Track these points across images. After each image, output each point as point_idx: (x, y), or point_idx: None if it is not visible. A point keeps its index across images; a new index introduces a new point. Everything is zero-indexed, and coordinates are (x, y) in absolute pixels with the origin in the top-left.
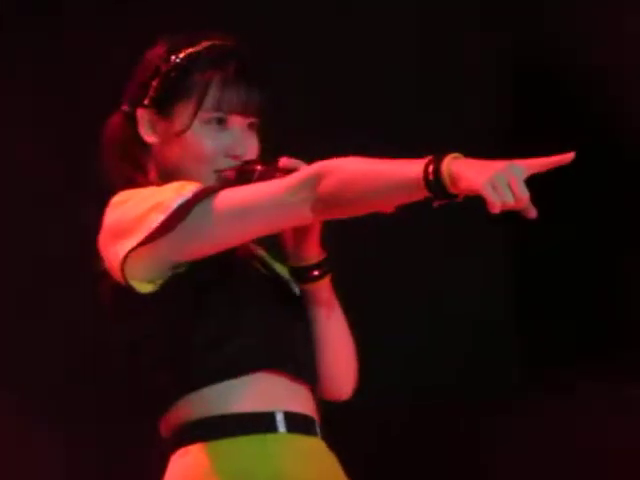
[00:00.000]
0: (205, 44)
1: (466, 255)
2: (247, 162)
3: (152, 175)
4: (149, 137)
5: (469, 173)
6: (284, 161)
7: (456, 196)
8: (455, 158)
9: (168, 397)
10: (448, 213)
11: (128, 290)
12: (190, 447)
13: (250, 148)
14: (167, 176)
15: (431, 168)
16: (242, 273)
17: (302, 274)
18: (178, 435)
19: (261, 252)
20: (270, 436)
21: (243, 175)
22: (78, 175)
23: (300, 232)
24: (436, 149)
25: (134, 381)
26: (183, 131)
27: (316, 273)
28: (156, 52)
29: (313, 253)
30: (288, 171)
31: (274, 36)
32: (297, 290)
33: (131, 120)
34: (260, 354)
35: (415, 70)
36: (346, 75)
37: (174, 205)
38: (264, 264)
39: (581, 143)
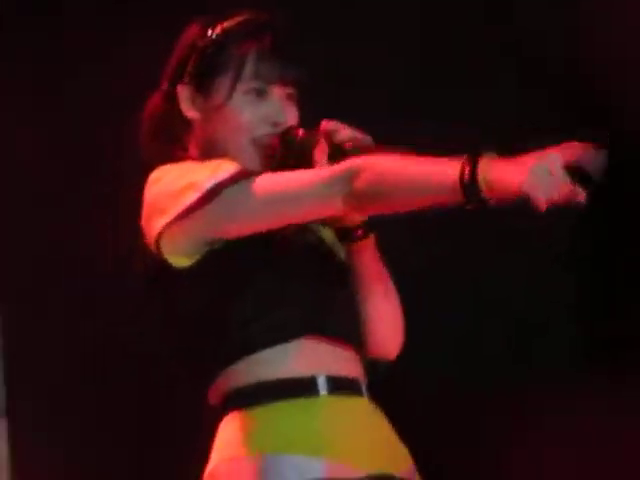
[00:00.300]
0: (239, 18)
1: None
2: (289, 128)
3: (193, 151)
4: (190, 112)
5: (506, 177)
6: (325, 124)
7: (490, 199)
8: (490, 160)
9: (214, 367)
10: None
11: (168, 264)
12: (237, 413)
13: (290, 117)
14: (207, 151)
15: (467, 171)
16: (286, 244)
17: (347, 234)
18: (226, 402)
19: None
20: (312, 399)
21: (285, 141)
22: (78, 174)
23: None
24: (441, 143)
25: (174, 355)
26: (223, 103)
27: (360, 233)
28: (192, 31)
29: (355, 214)
30: (329, 135)
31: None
32: (342, 255)
33: (171, 98)
34: (301, 322)
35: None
36: (347, 71)
37: (208, 185)
38: (310, 230)
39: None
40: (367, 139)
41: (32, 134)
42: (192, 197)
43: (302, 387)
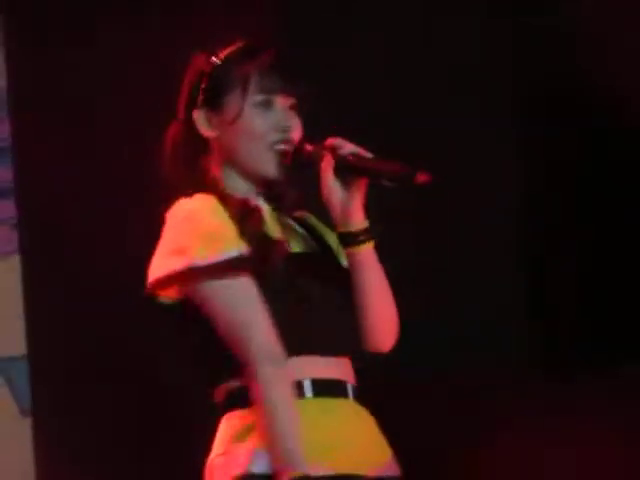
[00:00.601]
0: (238, 45)
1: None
2: (298, 144)
3: (215, 170)
4: (208, 132)
5: None
6: (330, 140)
7: None
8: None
9: (220, 374)
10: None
11: None
12: (234, 412)
13: (295, 125)
14: (229, 163)
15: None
16: (275, 261)
17: (349, 239)
18: (226, 402)
19: (312, 221)
20: (298, 401)
21: (295, 155)
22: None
23: (345, 201)
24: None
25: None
26: (237, 116)
27: (361, 238)
28: (197, 63)
29: (357, 220)
30: (333, 149)
31: (276, 33)
32: (343, 260)
33: (188, 124)
34: (291, 345)
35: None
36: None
37: (190, 263)
38: (309, 237)
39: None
40: (369, 155)
41: None
42: (175, 265)
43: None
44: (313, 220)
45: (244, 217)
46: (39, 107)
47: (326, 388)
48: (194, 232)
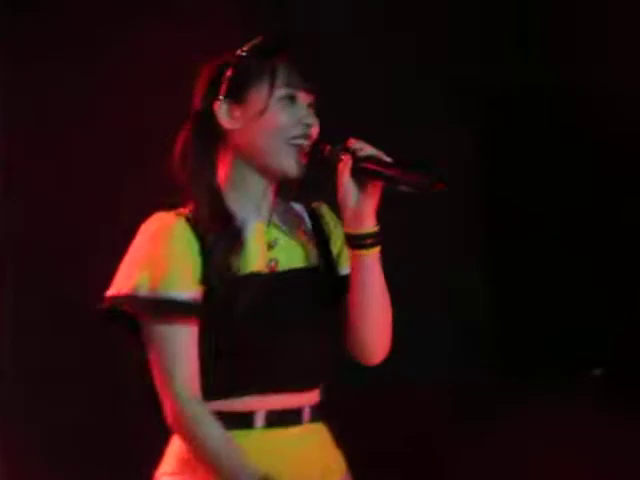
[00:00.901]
0: (261, 38)
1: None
2: (316, 144)
3: (225, 168)
4: (228, 124)
5: None
6: (349, 142)
7: None
8: None
9: None
10: None
11: None
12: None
13: (315, 122)
14: (243, 159)
15: None
16: (236, 294)
17: (357, 241)
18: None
19: (325, 215)
20: (247, 432)
21: (313, 155)
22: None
23: (359, 203)
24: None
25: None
26: (263, 110)
27: (369, 241)
28: (218, 58)
29: (369, 223)
30: (353, 151)
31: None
32: (342, 267)
33: (205, 117)
34: (246, 386)
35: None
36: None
37: (131, 291)
38: (310, 245)
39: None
40: (388, 159)
41: None
42: (123, 289)
43: (242, 421)
44: (327, 214)
45: (217, 250)
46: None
47: (279, 418)
48: (147, 257)
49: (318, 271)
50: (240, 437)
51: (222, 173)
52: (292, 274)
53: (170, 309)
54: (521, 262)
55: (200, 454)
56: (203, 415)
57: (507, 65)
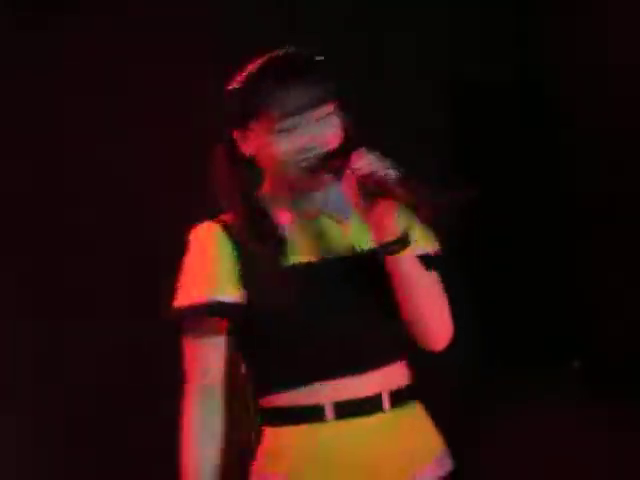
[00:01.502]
0: (259, 61)
1: None
2: (327, 157)
3: (267, 185)
4: (248, 149)
5: None
6: (354, 158)
7: None
8: None
9: (261, 387)
10: None
11: None
12: (269, 429)
13: (329, 137)
14: (272, 174)
15: None
16: (275, 290)
17: (384, 249)
18: (263, 415)
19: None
20: (318, 425)
21: (323, 168)
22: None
23: (372, 214)
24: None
25: None
26: (260, 148)
27: (393, 248)
28: (234, 79)
29: (389, 231)
30: (359, 169)
31: (276, 33)
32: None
33: (231, 143)
34: (305, 378)
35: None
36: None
37: (187, 302)
38: (352, 231)
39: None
40: (392, 175)
41: None
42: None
43: (310, 414)
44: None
45: (254, 257)
46: None
47: (349, 410)
48: (191, 268)
49: (371, 255)
50: (310, 432)
51: (266, 178)
52: (341, 261)
53: (211, 312)
54: (499, 256)
55: (181, 439)
56: (196, 406)
57: (507, 65)
